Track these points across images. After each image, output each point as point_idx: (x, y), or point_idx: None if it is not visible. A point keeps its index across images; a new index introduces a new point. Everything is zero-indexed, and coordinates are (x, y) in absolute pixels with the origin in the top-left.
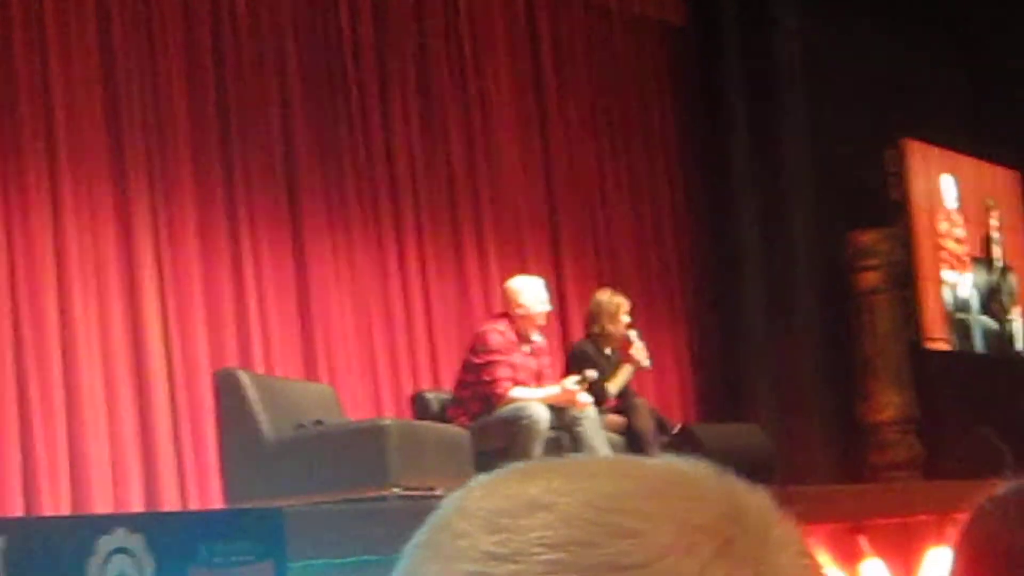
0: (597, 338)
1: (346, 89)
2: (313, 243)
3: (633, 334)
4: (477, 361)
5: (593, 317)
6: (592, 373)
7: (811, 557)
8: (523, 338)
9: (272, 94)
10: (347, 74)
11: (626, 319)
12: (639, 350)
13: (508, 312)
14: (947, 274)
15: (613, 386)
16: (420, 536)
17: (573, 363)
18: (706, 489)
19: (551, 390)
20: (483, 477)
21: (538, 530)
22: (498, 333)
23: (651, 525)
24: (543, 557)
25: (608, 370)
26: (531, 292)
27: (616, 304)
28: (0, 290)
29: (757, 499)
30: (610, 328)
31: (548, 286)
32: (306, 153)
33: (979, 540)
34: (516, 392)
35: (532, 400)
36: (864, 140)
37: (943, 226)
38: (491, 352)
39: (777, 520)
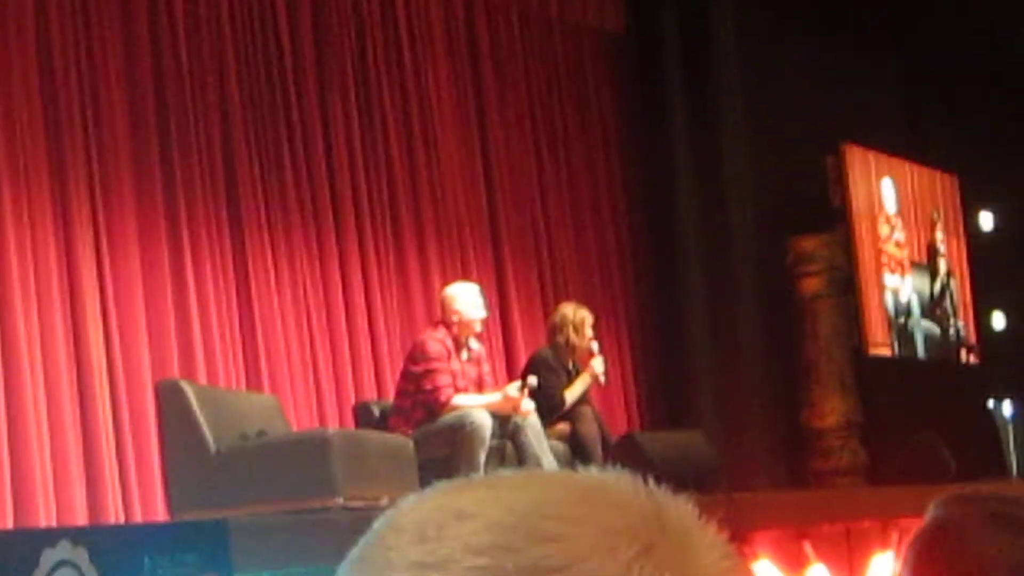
0: (559, 348)
1: (286, 98)
2: (254, 252)
3: (595, 346)
4: (416, 370)
5: (557, 328)
6: (533, 380)
7: (734, 561)
8: (461, 345)
9: (212, 104)
10: (287, 83)
11: (590, 332)
12: (599, 363)
13: (445, 320)
14: (888, 278)
15: (570, 395)
16: (354, 552)
17: (532, 369)
18: (628, 496)
19: (493, 397)
20: (414, 494)
21: (463, 538)
22: (436, 341)
23: (572, 530)
24: (467, 563)
25: (566, 380)
26: (465, 298)
27: (581, 317)
28: None
29: (679, 506)
30: (575, 340)
31: (484, 292)
32: (246, 162)
33: (944, 548)
34: (458, 399)
35: (474, 407)
36: (804, 146)
37: (884, 230)
38: (430, 360)
39: (699, 526)
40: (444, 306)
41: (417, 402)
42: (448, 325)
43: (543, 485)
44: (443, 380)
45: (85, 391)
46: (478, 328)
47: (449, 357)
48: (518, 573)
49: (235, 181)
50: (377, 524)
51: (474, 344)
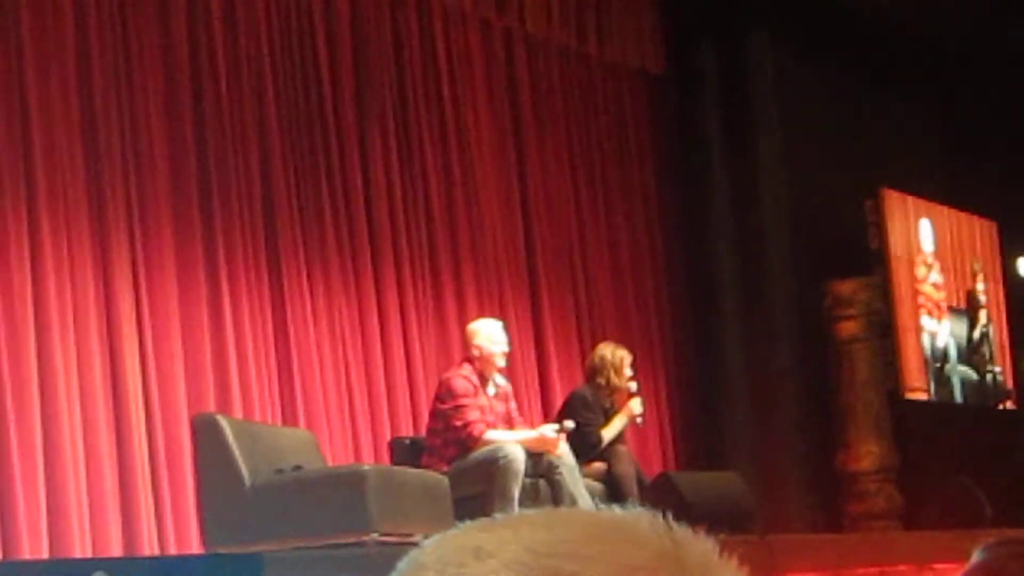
0: (598, 388)
1: (325, 134)
2: (292, 287)
3: (633, 387)
4: (444, 408)
5: (597, 370)
6: (570, 424)
7: None
8: (486, 380)
9: (251, 139)
10: (326, 119)
11: (628, 372)
12: (637, 403)
13: (469, 355)
14: (926, 321)
15: (607, 434)
16: None
17: (571, 407)
18: (645, 533)
19: (528, 434)
20: (439, 534)
21: None
22: (461, 378)
23: (588, 567)
24: None
25: (603, 419)
26: (486, 333)
27: (620, 358)
28: None
29: (699, 543)
30: (615, 381)
31: (507, 328)
32: (285, 197)
33: None
34: (491, 434)
35: (507, 441)
36: (842, 189)
37: (920, 270)
38: (456, 397)
39: (719, 564)
40: (467, 341)
41: (448, 439)
42: (471, 360)
43: (562, 524)
44: (472, 415)
45: (122, 424)
46: (500, 362)
47: (476, 393)
48: None
49: (273, 217)
50: (401, 563)
51: (500, 380)
